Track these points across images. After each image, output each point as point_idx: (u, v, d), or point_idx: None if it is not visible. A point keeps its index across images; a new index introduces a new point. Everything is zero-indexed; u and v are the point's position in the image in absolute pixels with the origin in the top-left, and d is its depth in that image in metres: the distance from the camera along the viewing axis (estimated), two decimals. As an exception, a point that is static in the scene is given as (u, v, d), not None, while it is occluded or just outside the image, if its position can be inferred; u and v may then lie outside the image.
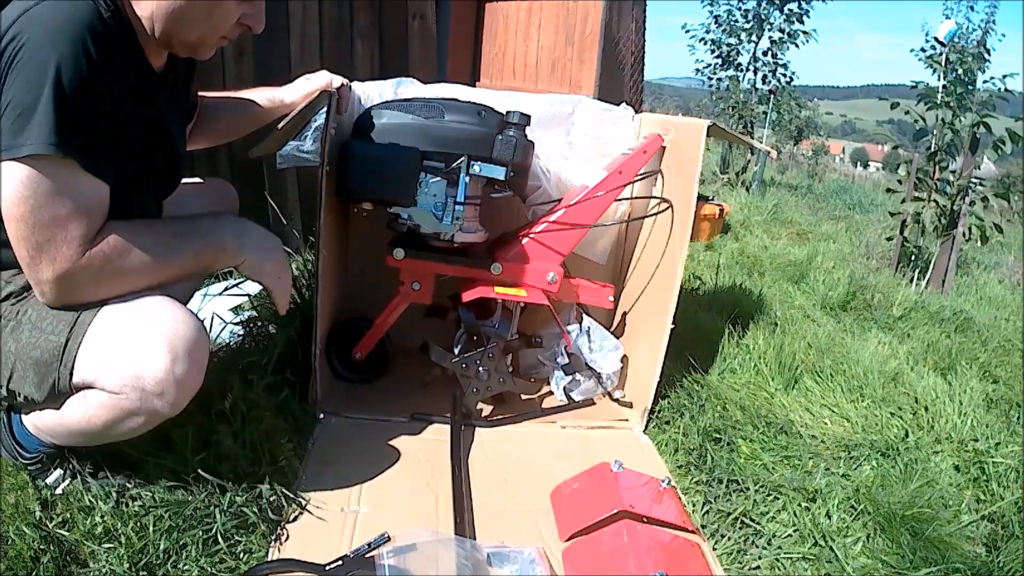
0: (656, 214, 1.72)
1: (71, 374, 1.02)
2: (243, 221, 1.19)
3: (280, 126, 1.25)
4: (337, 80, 1.51)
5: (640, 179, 1.75)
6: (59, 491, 1.22)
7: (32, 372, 1.03)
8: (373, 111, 1.52)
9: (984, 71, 4.16)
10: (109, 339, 1.02)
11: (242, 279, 2.00)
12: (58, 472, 1.23)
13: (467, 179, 1.52)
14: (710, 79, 8.58)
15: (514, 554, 1.17)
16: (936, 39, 4.07)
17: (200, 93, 1.45)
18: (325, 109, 1.41)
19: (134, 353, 1.00)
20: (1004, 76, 4.08)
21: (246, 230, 1.17)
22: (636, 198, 1.83)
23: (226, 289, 1.87)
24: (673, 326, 1.59)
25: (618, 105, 1.84)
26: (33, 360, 1.02)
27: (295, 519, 1.22)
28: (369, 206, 1.53)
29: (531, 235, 1.62)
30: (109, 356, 1.01)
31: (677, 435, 1.60)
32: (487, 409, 1.71)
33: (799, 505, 1.35)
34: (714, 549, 1.27)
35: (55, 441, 1.15)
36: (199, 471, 1.21)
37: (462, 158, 1.50)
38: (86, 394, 1.04)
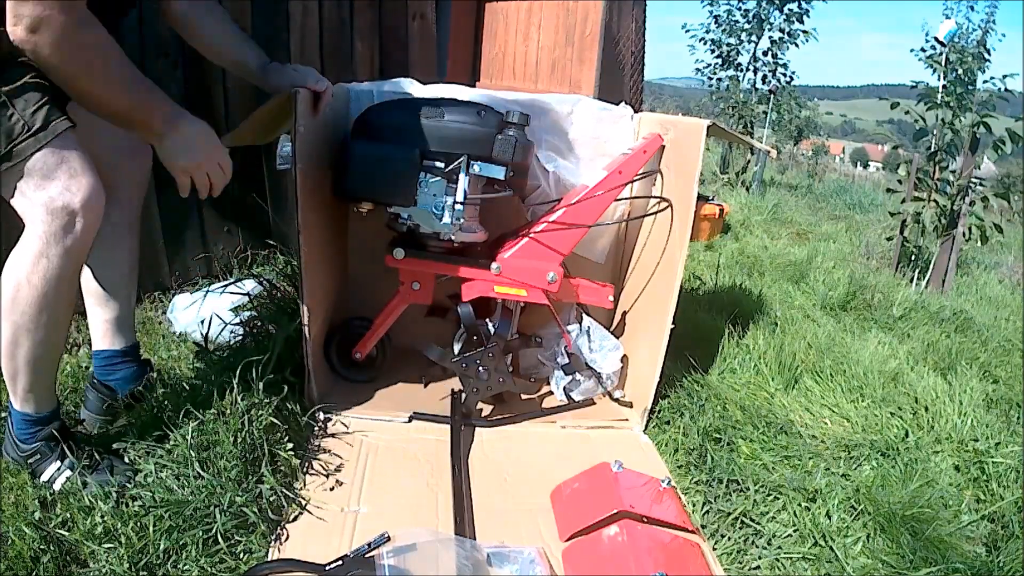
0: (656, 213, 1.72)
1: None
2: (193, 119, 1.18)
3: (247, 121, 1.25)
4: (322, 82, 1.45)
5: (640, 179, 1.75)
6: (57, 486, 1.23)
7: None
8: (373, 111, 1.52)
9: (984, 71, 4.17)
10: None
11: (241, 279, 2.01)
12: (56, 464, 1.24)
13: (467, 179, 1.52)
14: (710, 79, 8.56)
15: (514, 554, 1.17)
16: (936, 39, 4.06)
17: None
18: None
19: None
20: (1004, 76, 4.08)
21: (188, 121, 1.17)
22: (636, 198, 1.83)
23: (226, 288, 1.87)
24: (673, 326, 1.60)
25: (617, 104, 1.84)
26: None
27: (295, 519, 1.23)
28: (369, 206, 1.53)
29: (531, 235, 1.62)
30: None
31: (677, 435, 1.60)
32: (487, 409, 1.71)
33: (799, 505, 1.35)
34: (714, 549, 1.27)
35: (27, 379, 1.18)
36: (199, 471, 1.21)
37: (462, 158, 1.50)
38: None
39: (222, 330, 1.72)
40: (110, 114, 1.13)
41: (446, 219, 1.53)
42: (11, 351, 1.16)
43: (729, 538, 1.30)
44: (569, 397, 1.78)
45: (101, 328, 1.50)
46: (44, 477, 1.24)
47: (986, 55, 4.29)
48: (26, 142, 1.08)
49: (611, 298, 1.72)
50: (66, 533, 1.11)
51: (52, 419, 1.26)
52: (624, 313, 1.91)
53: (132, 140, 1.35)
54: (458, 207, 1.53)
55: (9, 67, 1.07)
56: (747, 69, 8.29)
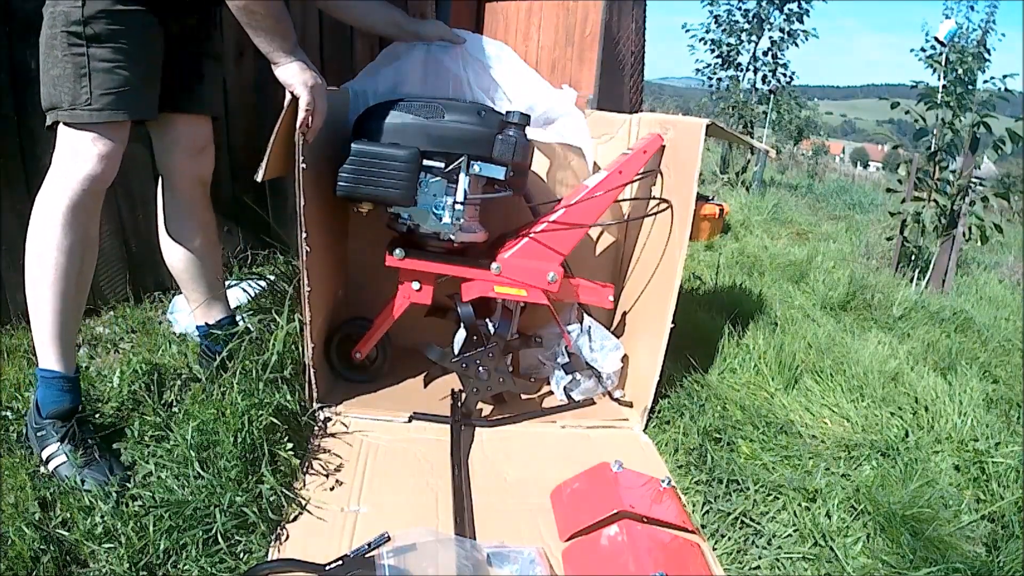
0: (655, 214, 1.71)
1: None
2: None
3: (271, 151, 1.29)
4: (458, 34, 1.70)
5: (640, 179, 1.75)
6: (51, 466, 1.27)
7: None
8: (373, 111, 1.52)
9: (984, 71, 4.16)
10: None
11: (242, 280, 2.01)
12: (56, 445, 1.29)
13: (467, 179, 1.52)
14: (710, 79, 8.56)
15: (514, 554, 1.17)
16: (936, 39, 4.06)
17: None
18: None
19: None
20: (1004, 76, 4.08)
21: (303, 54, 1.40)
22: (636, 198, 1.83)
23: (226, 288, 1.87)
24: (673, 326, 1.59)
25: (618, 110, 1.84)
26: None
27: (295, 519, 1.23)
28: (369, 206, 1.53)
29: (531, 235, 1.62)
30: None
31: (677, 435, 1.60)
32: (487, 409, 1.71)
33: (799, 505, 1.35)
34: (714, 549, 1.27)
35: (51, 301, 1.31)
36: (199, 471, 1.21)
37: (462, 158, 1.50)
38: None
39: (222, 330, 1.72)
40: (272, 32, 1.34)
41: (446, 219, 1.53)
42: (29, 284, 1.31)
43: (729, 538, 1.30)
44: (569, 397, 1.78)
45: (194, 307, 1.67)
46: (44, 454, 1.29)
47: (986, 55, 4.29)
48: (86, 111, 1.27)
49: (611, 298, 1.72)
50: (66, 533, 1.11)
51: (70, 388, 1.34)
52: (624, 313, 1.91)
53: (195, 145, 1.54)
54: (458, 207, 1.52)
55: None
56: (747, 69, 8.29)
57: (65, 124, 1.29)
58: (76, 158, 1.29)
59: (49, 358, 1.32)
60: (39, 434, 1.31)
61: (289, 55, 1.35)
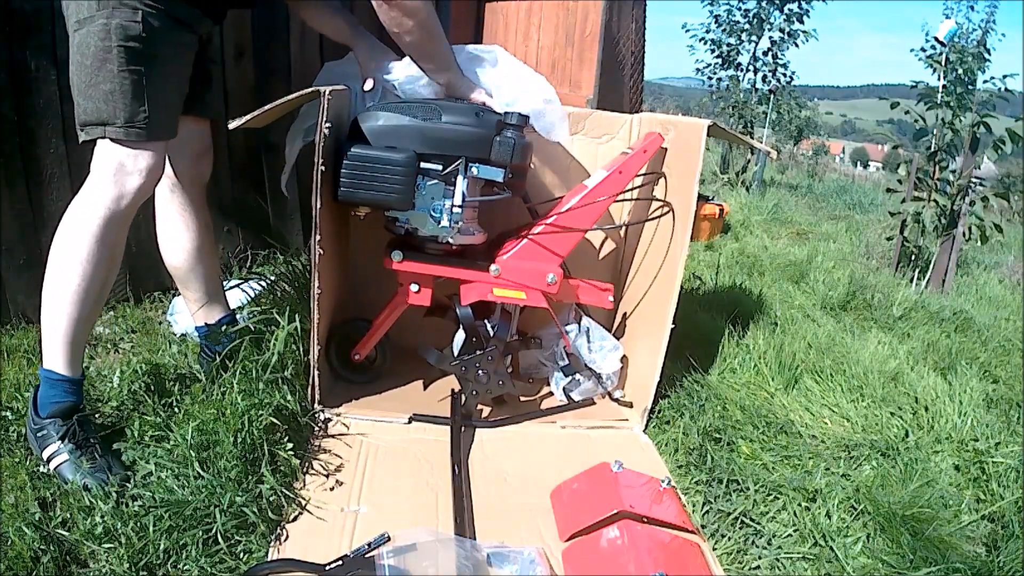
0: (657, 218, 1.71)
1: None
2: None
3: (266, 108, 1.28)
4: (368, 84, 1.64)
5: (640, 179, 1.74)
6: (52, 466, 1.27)
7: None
8: (370, 112, 1.50)
9: (984, 71, 4.16)
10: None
11: (242, 280, 2.01)
12: (57, 444, 1.29)
13: (465, 181, 1.51)
14: (710, 79, 8.56)
15: (514, 554, 1.17)
16: (936, 39, 4.06)
17: None
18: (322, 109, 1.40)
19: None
20: (1004, 76, 4.08)
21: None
22: (637, 199, 1.83)
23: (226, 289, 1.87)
24: (673, 326, 1.59)
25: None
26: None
27: (295, 519, 1.23)
28: (367, 209, 1.53)
29: (530, 236, 1.62)
30: None
31: (677, 435, 1.60)
32: (487, 410, 1.71)
33: (799, 505, 1.35)
34: (714, 549, 1.27)
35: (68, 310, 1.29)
36: (199, 471, 1.21)
37: (460, 160, 1.49)
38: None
39: (222, 330, 1.72)
40: (431, 57, 1.52)
41: (444, 222, 1.52)
42: (50, 286, 1.29)
43: (729, 538, 1.30)
44: (569, 397, 1.78)
45: (194, 308, 1.68)
46: (45, 454, 1.29)
47: (986, 55, 4.29)
48: (143, 130, 1.27)
49: (611, 299, 1.72)
50: (66, 533, 1.11)
51: (74, 391, 1.34)
52: (624, 313, 1.91)
53: (200, 147, 1.57)
54: (456, 210, 1.51)
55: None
56: (747, 69, 8.28)
57: (112, 140, 1.27)
58: (121, 172, 1.28)
59: (57, 361, 1.32)
60: (39, 434, 1.31)
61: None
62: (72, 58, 1.27)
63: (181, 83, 1.36)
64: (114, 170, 1.28)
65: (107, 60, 1.22)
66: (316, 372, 1.54)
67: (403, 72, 1.63)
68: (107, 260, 1.31)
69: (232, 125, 1.26)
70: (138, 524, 1.11)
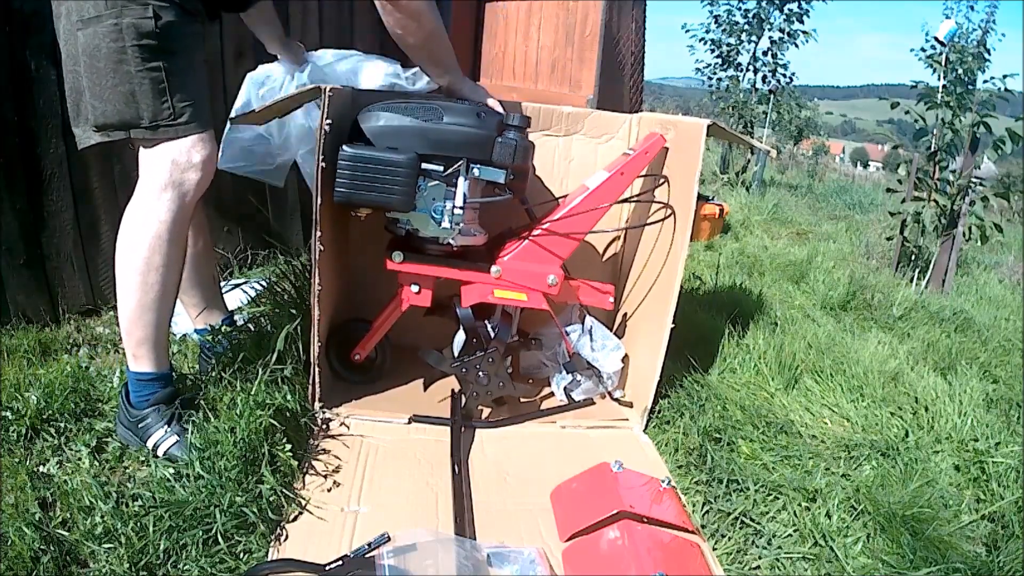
0: (659, 221, 1.71)
1: None
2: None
3: (266, 105, 1.28)
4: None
5: (641, 180, 1.74)
6: (161, 451, 1.31)
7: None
8: (370, 113, 1.50)
9: (984, 71, 4.15)
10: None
11: (243, 281, 2.01)
12: (162, 430, 1.32)
13: (466, 182, 1.51)
14: (710, 79, 8.55)
15: (514, 554, 1.17)
16: (936, 39, 4.06)
17: None
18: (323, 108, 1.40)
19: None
20: (1004, 76, 4.07)
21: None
22: (637, 200, 1.83)
23: (226, 290, 1.87)
24: (673, 326, 1.59)
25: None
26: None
27: (295, 519, 1.23)
28: (367, 210, 1.52)
29: (531, 237, 1.61)
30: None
31: (677, 435, 1.60)
32: (487, 410, 1.71)
33: (799, 505, 1.35)
34: (714, 549, 1.27)
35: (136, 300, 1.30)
36: (199, 471, 1.21)
37: (461, 161, 1.49)
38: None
39: (222, 330, 1.72)
40: (432, 59, 1.53)
41: (445, 224, 1.51)
42: (129, 295, 1.30)
43: (729, 538, 1.30)
44: (569, 397, 1.78)
45: (193, 313, 1.69)
46: (150, 443, 1.32)
47: (986, 55, 4.28)
48: (172, 127, 1.26)
49: (611, 299, 1.72)
50: (66, 533, 1.11)
51: (168, 381, 1.37)
52: (624, 313, 1.91)
53: None
54: (457, 211, 1.51)
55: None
56: (747, 69, 8.28)
57: (148, 140, 1.26)
58: (177, 171, 1.27)
59: (146, 364, 1.34)
60: (140, 425, 1.34)
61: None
62: (77, 58, 1.22)
63: (201, 72, 1.33)
64: (168, 170, 1.26)
65: (122, 61, 1.20)
66: (316, 369, 1.54)
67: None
68: (179, 259, 1.32)
69: (233, 120, 1.27)
70: (138, 524, 1.11)
